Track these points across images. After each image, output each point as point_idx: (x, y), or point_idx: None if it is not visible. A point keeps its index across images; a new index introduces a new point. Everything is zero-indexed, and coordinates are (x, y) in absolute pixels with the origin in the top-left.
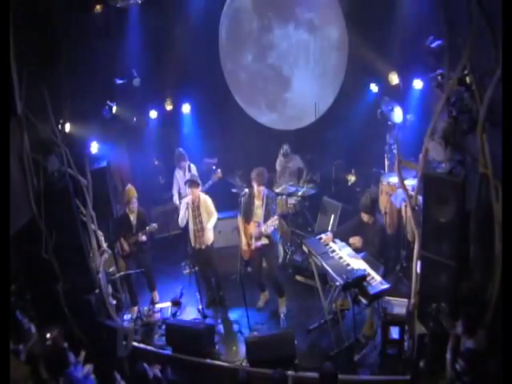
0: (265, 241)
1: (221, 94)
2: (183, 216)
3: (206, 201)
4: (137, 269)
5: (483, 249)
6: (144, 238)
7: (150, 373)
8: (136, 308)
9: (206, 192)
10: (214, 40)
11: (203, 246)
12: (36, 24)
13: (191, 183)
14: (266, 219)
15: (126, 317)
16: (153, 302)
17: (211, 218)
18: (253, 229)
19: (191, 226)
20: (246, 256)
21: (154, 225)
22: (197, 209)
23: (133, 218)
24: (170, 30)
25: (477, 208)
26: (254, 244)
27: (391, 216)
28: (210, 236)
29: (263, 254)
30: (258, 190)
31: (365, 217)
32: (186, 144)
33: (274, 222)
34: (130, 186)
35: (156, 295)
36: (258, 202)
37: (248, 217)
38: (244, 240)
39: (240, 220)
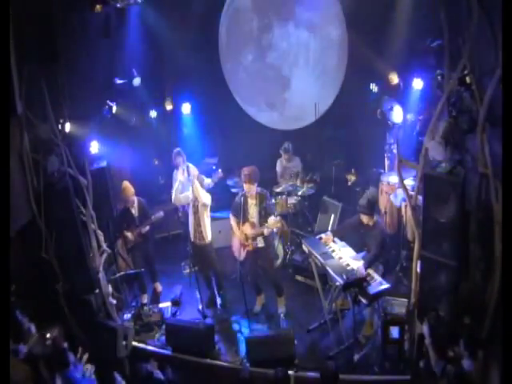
0: (261, 243)
1: (221, 94)
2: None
3: (199, 187)
4: (142, 258)
5: (483, 249)
6: (147, 228)
7: (157, 375)
8: (146, 295)
9: (208, 191)
10: (214, 40)
11: (202, 242)
12: (36, 24)
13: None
14: (260, 218)
15: (126, 317)
16: (155, 294)
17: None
18: (248, 229)
19: (191, 221)
20: (239, 256)
21: (161, 213)
22: (196, 204)
23: (134, 210)
24: (169, 30)
25: (477, 208)
26: (252, 245)
27: (391, 216)
28: (208, 232)
29: (259, 255)
30: (250, 188)
31: (364, 218)
32: (186, 144)
33: (276, 224)
34: (125, 184)
35: (158, 286)
36: (251, 201)
37: (243, 216)
38: (237, 240)
39: (233, 219)
